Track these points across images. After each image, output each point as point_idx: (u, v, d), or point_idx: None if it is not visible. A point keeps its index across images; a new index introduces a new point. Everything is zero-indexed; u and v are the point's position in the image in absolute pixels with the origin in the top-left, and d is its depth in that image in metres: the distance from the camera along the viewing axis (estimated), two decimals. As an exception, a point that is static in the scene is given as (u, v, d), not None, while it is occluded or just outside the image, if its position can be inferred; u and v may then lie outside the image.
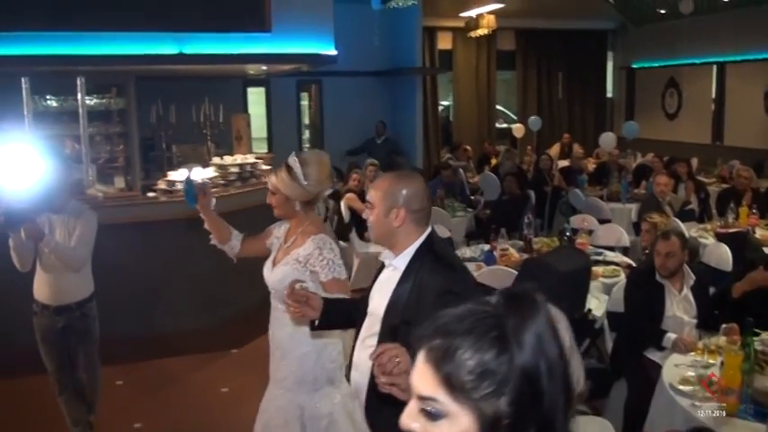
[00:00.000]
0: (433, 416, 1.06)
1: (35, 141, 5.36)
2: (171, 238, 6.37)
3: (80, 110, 7.12)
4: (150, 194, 6.94)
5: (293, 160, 3.20)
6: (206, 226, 3.50)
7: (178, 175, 7.04)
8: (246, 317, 6.29)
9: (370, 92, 12.51)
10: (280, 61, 7.34)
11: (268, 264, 3.36)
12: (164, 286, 6.44)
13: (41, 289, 4.21)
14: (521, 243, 6.31)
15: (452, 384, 1.05)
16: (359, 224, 8.28)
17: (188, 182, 3.45)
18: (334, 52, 7.35)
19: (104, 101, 8.28)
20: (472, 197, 9.93)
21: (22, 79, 6.83)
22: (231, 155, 8.11)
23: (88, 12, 6.56)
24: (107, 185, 7.61)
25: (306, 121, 13.21)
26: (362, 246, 8.14)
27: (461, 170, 11.08)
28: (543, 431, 1.06)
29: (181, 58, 6.88)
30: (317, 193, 3.25)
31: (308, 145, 12.99)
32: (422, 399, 1.08)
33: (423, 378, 1.08)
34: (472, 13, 12.85)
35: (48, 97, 7.76)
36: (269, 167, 7.93)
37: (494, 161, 11.84)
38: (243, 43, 6.97)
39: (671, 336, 4.07)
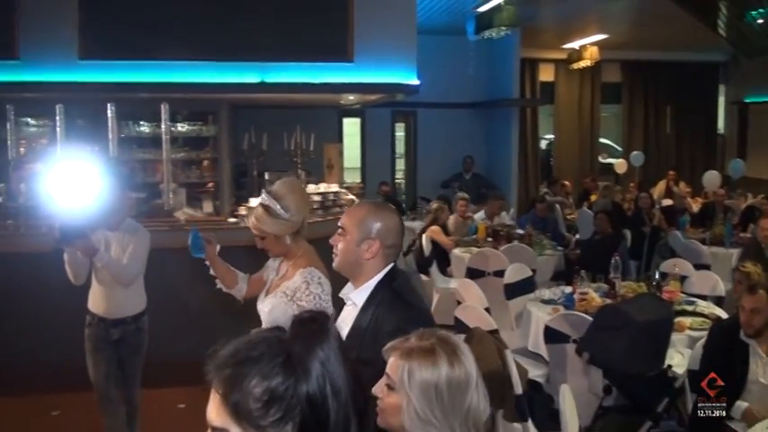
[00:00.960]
0: None
1: (101, 164, 5.39)
2: (245, 262, 6.29)
3: (163, 136, 7.22)
4: (231, 220, 6.92)
5: (266, 198, 3.08)
6: (212, 272, 3.48)
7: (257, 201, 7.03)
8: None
9: (464, 123, 12.25)
10: (361, 91, 7.23)
11: (261, 296, 3.27)
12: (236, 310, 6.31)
13: (96, 302, 4.28)
14: (606, 287, 5.84)
15: (240, 413, 1.06)
16: (440, 258, 8.01)
17: (194, 234, 3.43)
18: (416, 82, 7.15)
19: (196, 127, 8.44)
20: (566, 235, 9.44)
21: (108, 105, 6.98)
22: (323, 184, 8.08)
23: (174, 41, 6.72)
24: (195, 209, 7.64)
25: (399, 151, 13.07)
26: (443, 281, 7.85)
27: (558, 206, 10.60)
28: None
29: (262, 86, 6.90)
30: (302, 220, 3.13)
31: (400, 176, 12.86)
32: (213, 429, 1.09)
33: (213, 408, 1.09)
34: (575, 44, 12.40)
35: (141, 123, 7.97)
36: (351, 197, 7.83)
37: (593, 197, 11.26)
38: (324, 72, 6.92)
39: (742, 404, 3.58)
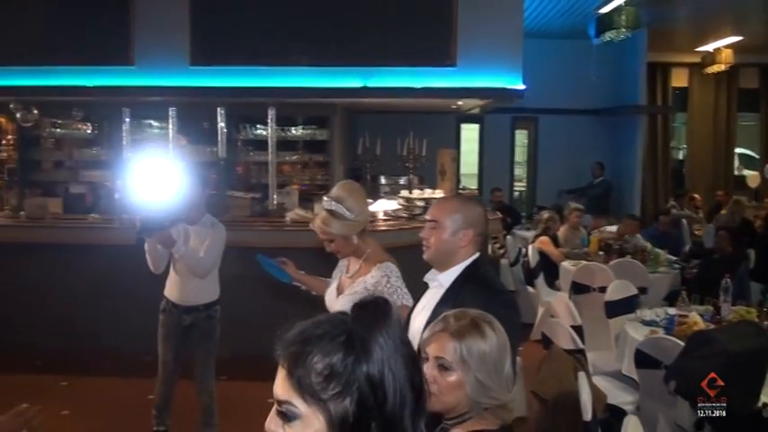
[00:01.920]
0: (288, 417, 1.16)
1: (184, 163, 5.55)
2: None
3: (269, 139, 7.30)
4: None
5: (330, 203, 3.13)
6: (304, 288, 3.57)
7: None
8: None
9: (587, 131, 11.66)
10: (463, 95, 7.03)
11: (331, 293, 3.31)
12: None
13: (172, 289, 4.48)
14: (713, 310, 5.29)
15: (303, 387, 1.14)
16: (548, 271, 7.61)
17: (268, 265, 3.51)
18: (521, 87, 6.84)
19: (310, 131, 8.55)
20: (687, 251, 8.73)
21: (218, 109, 7.14)
22: (433, 189, 7.90)
23: (280, 48, 6.82)
24: (307, 210, 7.70)
25: (519, 158, 12.64)
26: (549, 294, 7.44)
27: (685, 221, 9.86)
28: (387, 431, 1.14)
29: (365, 91, 6.85)
30: (365, 219, 3.22)
31: (519, 182, 12.45)
32: (279, 402, 1.17)
33: (279, 383, 1.17)
34: (709, 47, 11.47)
35: (257, 126, 8.17)
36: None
37: (723, 212, 10.38)
38: (427, 77, 6.78)
39: None
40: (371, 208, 6.98)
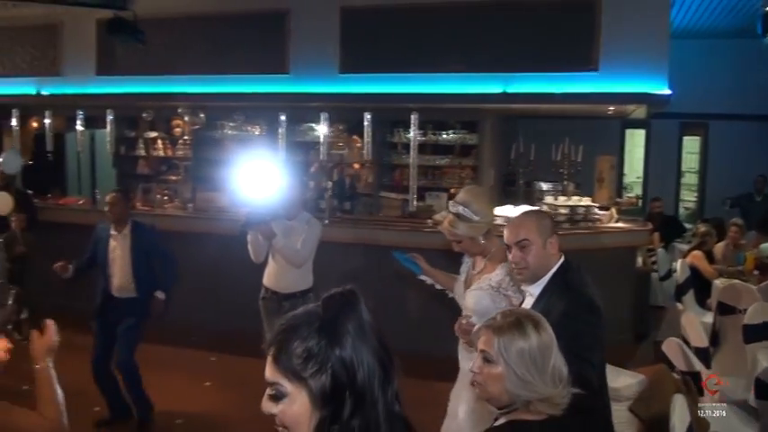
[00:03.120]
0: (277, 397, 1.35)
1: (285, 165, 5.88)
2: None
3: (411, 142, 7.46)
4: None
5: (456, 207, 3.33)
6: (429, 282, 3.82)
7: (504, 210, 6.97)
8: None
9: (764, 138, 10.62)
10: (605, 101, 6.77)
11: (459, 287, 3.54)
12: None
13: (270, 278, 4.87)
14: None
15: (287, 369, 1.33)
16: (700, 288, 7.08)
17: (404, 259, 3.81)
18: (667, 92, 6.44)
19: (460, 136, 8.61)
20: None
21: (365, 114, 7.41)
22: (591, 196, 7.80)
23: (423, 56, 6.99)
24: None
25: (688, 165, 11.80)
26: (699, 313, 6.93)
27: None
28: (360, 401, 1.32)
29: (504, 97, 6.79)
30: (491, 220, 3.38)
31: (687, 191, 11.63)
32: (269, 385, 1.36)
33: (268, 368, 1.36)
34: None
35: (408, 130, 8.34)
36: (603, 213, 7.34)
37: None
38: (568, 82, 6.60)
39: None
40: (506, 212, 6.93)
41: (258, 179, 4.87)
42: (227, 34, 7.69)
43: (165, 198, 8.46)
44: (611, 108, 7.50)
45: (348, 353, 1.33)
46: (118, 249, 5.19)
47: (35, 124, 9.31)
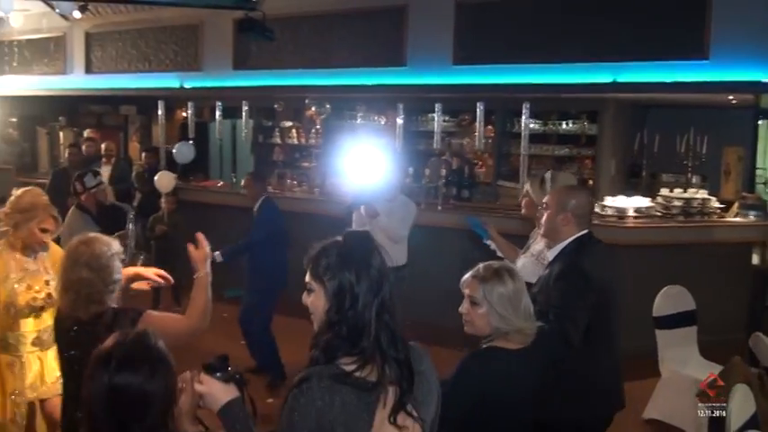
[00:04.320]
0: (309, 291, 2.07)
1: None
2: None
3: (522, 131, 7.75)
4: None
5: (548, 175, 4.12)
6: (498, 252, 4.35)
7: (617, 201, 7.17)
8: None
9: None
10: (715, 90, 6.68)
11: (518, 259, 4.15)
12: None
13: None
14: None
15: (315, 274, 2.05)
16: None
17: (474, 224, 4.48)
18: (782, 81, 6.34)
19: (579, 126, 8.82)
20: None
21: (477, 104, 7.79)
22: (717, 189, 7.96)
23: (533, 46, 7.26)
24: None
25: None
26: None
27: None
28: (354, 302, 1.99)
29: (614, 86, 6.95)
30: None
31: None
32: (306, 284, 2.09)
33: (307, 275, 2.08)
34: None
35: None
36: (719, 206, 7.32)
37: None
38: (678, 71, 6.65)
39: None
40: (617, 203, 7.12)
41: (365, 164, 5.69)
42: (349, 30, 8.35)
43: (295, 182, 9.36)
44: (731, 97, 7.39)
45: (352, 271, 2.01)
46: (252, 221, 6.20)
47: (184, 114, 10.51)
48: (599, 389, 3.27)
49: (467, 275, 2.80)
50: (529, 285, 2.99)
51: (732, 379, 3.89)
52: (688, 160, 8.52)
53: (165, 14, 9.63)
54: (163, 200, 7.46)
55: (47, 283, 3.80)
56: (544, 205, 3.46)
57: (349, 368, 1.94)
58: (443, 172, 8.63)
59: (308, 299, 2.08)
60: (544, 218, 3.42)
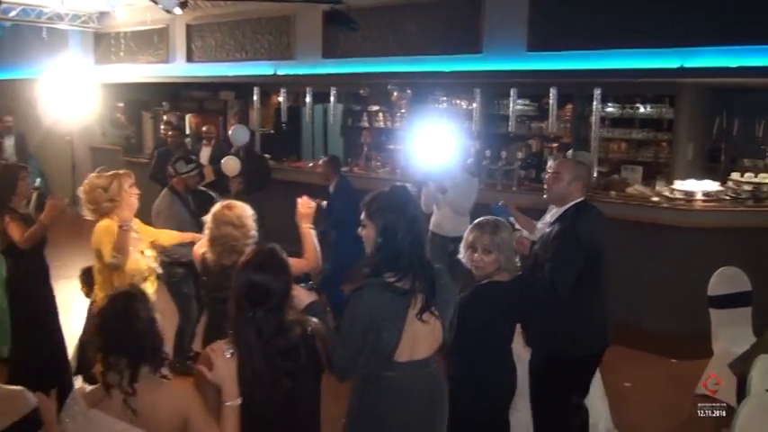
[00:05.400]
0: (363, 227, 3.01)
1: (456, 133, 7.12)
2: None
3: (594, 116, 8.26)
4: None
5: (570, 153, 5.10)
6: (516, 225, 4.72)
7: (686, 185, 7.59)
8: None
9: None
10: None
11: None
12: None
13: (437, 224, 6.49)
14: None
15: (368, 214, 2.99)
16: None
17: (497, 210, 4.83)
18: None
19: (655, 110, 9.22)
20: None
21: (550, 89, 8.38)
22: None
23: (604, 32, 7.65)
24: (648, 187, 8.35)
25: None
26: None
27: None
28: (393, 236, 2.93)
29: (681, 72, 7.32)
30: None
31: None
32: (360, 221, 3.02)
33: (362, 214, 3.02)
34: None
35: (607, 104, 9.19)
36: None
37: None
38: (749, 56, 6.93)
39: None
40: (687, 187, 7.53)
41: (435, 145, 6.56)
42: (428, 19, 8.98)
43: (379, 164, 10.19)
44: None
45: (394, 213, 2.95)
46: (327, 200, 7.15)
47: (278, 99, 11.46)
48: (589, 328, 4.09)
49: (472, 234, 3.79)
50: None
51: (761, 348, 4.37)
52: (766, 145, 8.80)
53: (260, 7, 10.52)
54: (231, 182, 8.21)
55: (142, 252, 4.73)
56: (554, 174, 4.17)
57: (390, 280, 2.92)
58: (520, 155, 9.24)
59: (362, 232, 3.03)
60: (557, 184, 4.15)
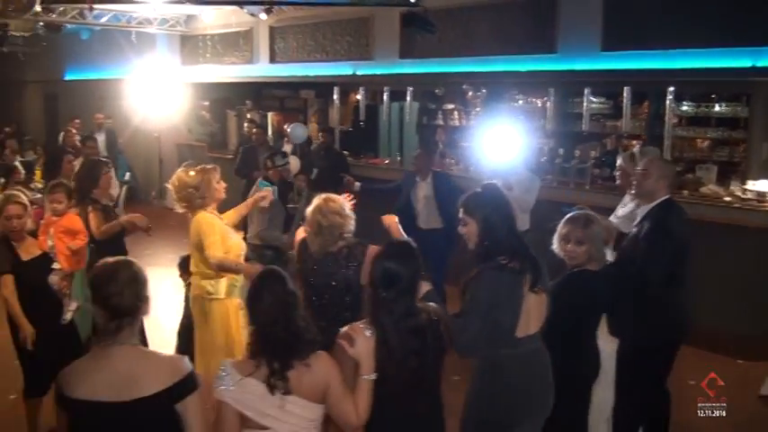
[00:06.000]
0: (464, 224, 3.56)
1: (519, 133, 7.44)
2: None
3: (666, 115, 8.47)
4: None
5: (637, 150, 5.56)
6: None
7: (758, 185, 7.73)
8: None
9: None
10: None
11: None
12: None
13: None
14: None
15: (466, 212, 3.53)
16: None
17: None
18: None
19: (730, 109, 9.37)
20: None
21: (624, 88, 8.66)
22: None
23: (677, 31, 7.85)
24: (723, 187, 8.49)
25: None
26: None
27: None
28: (492, 230, 3.46)
29: (753, 71, 7.46)
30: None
31: None
32: (460, 218, 3.56)
33: (460, 211, 3.57)
34: None
35: (683, 103, 9.40)
36: None
37: None
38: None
39: None
40: (759, 187, 7.66)
41: (502, 143, 6.92)
42: (504, 19, 9.32)
43: (453, 161, 10.59)
44: None
45: (489, 208, 3.45)
46: (420, 194, 7.54)
47: (356, 97, 12.00)
48: (676, 319, 4.44)
49: (566, 227, 4.11)
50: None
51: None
52: None
53: (340, 10, 11.06)
54: (295, 179, 8.48)
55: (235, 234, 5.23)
56: (643, 171, 4.52)
57: (503, 262, 3.38)
58: (593, 153, 9.49)
59: (463, 229, 3.54)
60: (645, 181, 4.51)
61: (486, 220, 3.44)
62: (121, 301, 2.64)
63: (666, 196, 4.49)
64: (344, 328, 3.13)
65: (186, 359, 2.80)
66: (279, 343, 2.85)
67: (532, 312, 3.45)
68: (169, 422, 2.63)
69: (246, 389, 2.80)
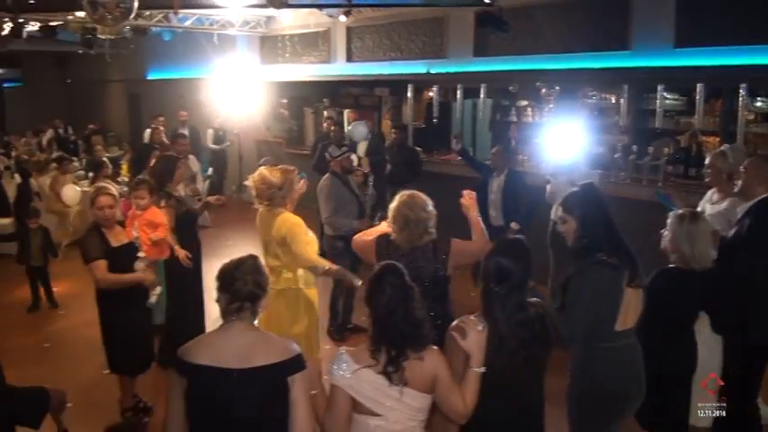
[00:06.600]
0: (563, 222, 3.83)
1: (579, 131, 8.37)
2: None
3: (740, 112, 8.57)
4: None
5: (728, 149, 5.57)
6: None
7: None
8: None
9: None
10: None
11: None
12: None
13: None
14: None
15: (566, 210, 3.81)
16: None
17: (663, 198, 5.73)
18: None
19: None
20: None
21: (697, 85, 8.79)
22: None
23: (751, 27, 7.96)
24: None
25: None
26: None
27: None
28: (589, 225, 3.70)
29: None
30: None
31: None
32: (560, 217, 3.88)
33: (559, 211, 3.89)
34: None
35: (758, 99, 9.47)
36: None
37: None
38: None
39: None
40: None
41: (565, 141, 7.13)
42: (577, 17, 9.55)
43: (525, 158, 10.86)
44: None
45: (587, 206, 3.69)
46: (494, 187, 7.84)
47: (430, 95, 12.36)
48: None
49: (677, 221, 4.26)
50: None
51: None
52: None
53: (415, 10, 11.43)
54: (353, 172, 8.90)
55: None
56: (744, 170, 4.80)
57: (603, 258, 3.60)
58: (667, 150, 9.56)
59: (563, 226, 3.81)
60: (743, 180, 4.81)
61: (584, 218, 3.67)
62: (243, 286, 2.99)
63: (765, 195, 4.70)
64: (456, 321, 3.29)
65: (295, 344, 3.04)
66: (397, 332, 3.03)
67: (630, 307, 3.64)
68: (280, 391, 2.92)
69: (362, 378, 3.02)
